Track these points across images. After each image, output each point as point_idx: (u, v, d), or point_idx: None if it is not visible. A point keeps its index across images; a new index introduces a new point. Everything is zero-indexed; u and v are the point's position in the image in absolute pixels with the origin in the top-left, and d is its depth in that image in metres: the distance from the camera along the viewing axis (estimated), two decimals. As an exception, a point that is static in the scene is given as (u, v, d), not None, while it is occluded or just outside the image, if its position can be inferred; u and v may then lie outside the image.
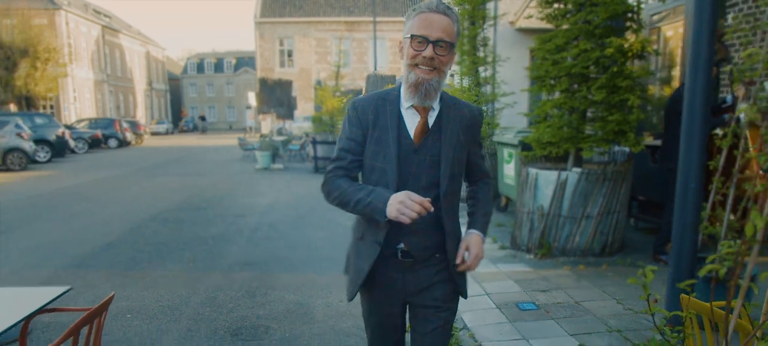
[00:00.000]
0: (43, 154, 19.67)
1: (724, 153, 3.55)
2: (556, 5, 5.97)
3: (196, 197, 11.16)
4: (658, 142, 6.10)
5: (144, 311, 4.65)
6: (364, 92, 15.69)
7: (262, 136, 20.53)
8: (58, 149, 20.70)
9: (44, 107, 33.10)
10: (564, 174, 5.54)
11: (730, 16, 6.60)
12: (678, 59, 8.17)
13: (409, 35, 1.83)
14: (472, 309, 4.38)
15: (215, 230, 7.81)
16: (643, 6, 5.53)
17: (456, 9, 1.79)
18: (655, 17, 9.01)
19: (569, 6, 5.78)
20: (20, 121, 17.82)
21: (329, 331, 4.18)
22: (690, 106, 3.24)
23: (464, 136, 1.95)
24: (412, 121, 1.91)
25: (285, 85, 22.82)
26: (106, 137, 27.71)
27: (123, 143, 28.75)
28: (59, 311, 2.66)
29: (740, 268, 1.66)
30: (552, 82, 5.87)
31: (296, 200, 10.60)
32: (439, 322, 2.03)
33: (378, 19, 31.19)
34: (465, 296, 2.10)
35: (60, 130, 20.98)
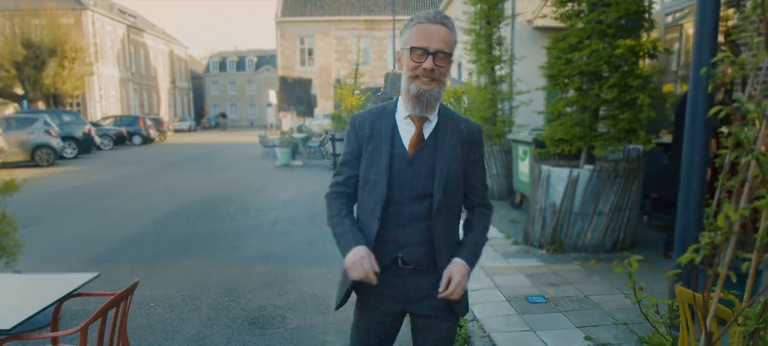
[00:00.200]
0: (70, 151, 20.18)
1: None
2: (569, 5, 6.04)
3: (218, 192, 11.42)
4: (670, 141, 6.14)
5: (166, 300, 4.86)
6: (382, 90, 15.79)
7: (282, 133, 20.82)
8: (85, 146, 21.23)
9: (71, 105, 33.83)
10: (575, 171, 5.62)
11: (748, 3, 6.57)
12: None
13: (408, 47, 1.83)
14: (482, 302, 4.50)
15: (235, 225, 8.02)
16: (654, 5, 5.57)
17: (452, 19, 1.78)
18: (678, 15, 8.98)
19: (583, 6, 5.85)
20: (48, 119, 18.31)
21: (343, 320, 4.33)
22: (692, 105, 3.32)
23: (461, 150, 1.92)
24: (407, 132, 1.91)
25: (305, 84, 23.06)
26: (131, 134, 28.29)
27: (147, 140, 29.33)
28: (88, 295, 2.85)
29: (719, 257, 1.76)
30: (565, 80, 5.95)
31: (315, 196, 10.79)
32: (442, 332, 2.02)
33: (397, 17, 31.27)
34: (461, 314, 2.06)
35: (86, 128, 21.51)
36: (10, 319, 2.22)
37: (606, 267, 5.27)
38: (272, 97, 25.71)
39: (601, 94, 5.59)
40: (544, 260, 5.60)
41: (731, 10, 5.99)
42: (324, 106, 35.13)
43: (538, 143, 6.77)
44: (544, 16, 6.91)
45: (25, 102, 27.36)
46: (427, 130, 1.91)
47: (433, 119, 1.92)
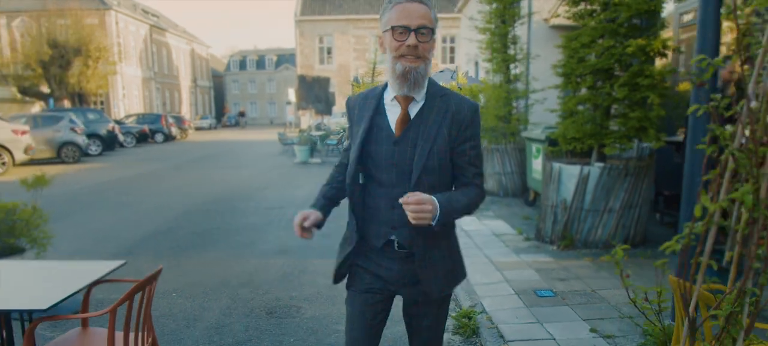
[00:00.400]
0: (94, 148, 20.67)
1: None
2: (582, 5, 6.12)
3: (237, 188, 11.67)
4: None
5: (187, 290, 5.06)
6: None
7: (300, 131, 21.06)
8: (109, 143, 21.71)
9: (95, 103, 34.52)
10: (586, 169, 5.71)
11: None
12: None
13: (389, 27, 1.83)
14: (491, 295, 4.63)
15: (254, 220, 8.24)
16: (665, 4, 5.63)
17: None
18: (694, 14, 8.97)
19: (595, 5, 5.93)
20: (74, 117, 18.78)
21: (356, 312, 4.49)
22: (695, 101, 3.41)
23: (448, 129, 1.88)
24: (394, 114, 1.91)
25: (323, 82, 23.29)
26: (153, 132, 28.82)
27: (169, 138, 29.84)
28: (116, 281, 3.04)
29: (700, 246, 1.88)
30: (578, 79, 6.04)
31: (332, 193, 10.96)
32: (432, 317, 2.07)
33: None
34: (446, 296, 2.09)
35: (110, 126, 21.99)
36: (45, 300, 2.41)
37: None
38: (291, 95, 26.00)
39: (613, 93, 5.66)
40: (554, 255, 5.70)
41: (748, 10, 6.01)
42: (342, 104, 35.33)
43: (551, 141, 6.86)
44: (558, 16, 6.99)
45: (51, 100, 28.04)
46: (414, 111, 1.90)
47: (421, 99, 1.90)
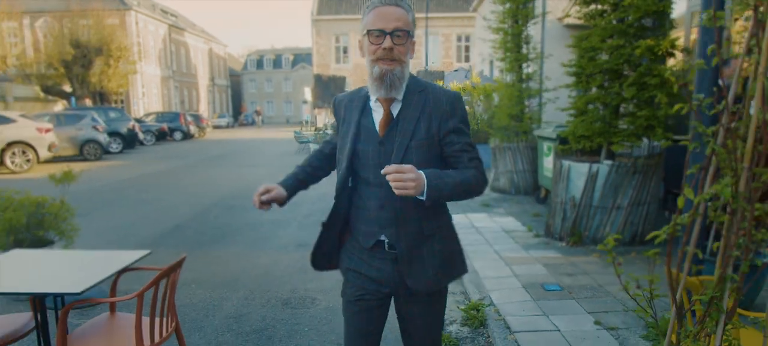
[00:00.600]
0: (115, 146, 21.12)
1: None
2: (593, 5, 6.23)
3: (255, 186, 11.78)
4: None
5: (207, 282, 5.27)
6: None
7: (316, 129, 21.30)
8: (129, 141, 22.16)
9: (115, 102, 35.13)
10: (595, 166, 5.81)
11: None
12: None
13: (365, 31, 1.87)
14: (499, 288, 4.76)
15: (271, 215, 8.44)
16: (674, 5, 5.72)
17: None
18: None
19: (605, 6, 6.03)
20: (96, 115, 19.22)
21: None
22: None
23: (427, 123, 1.89)
24: (378, 114, 1.96)
25: (339, 81, 23.52)
26: (172, 130, 29.31)
27: (187, 136, 30.32)
28: (142, 269, 3.24)
29: (687, 236, 2.01)
30: (588, 78, 6.14)
31: (346, 190, 11.15)
32: (423, 318, 2.07)
33: (431, 14, 31.48)
34: (434, 292, 2.07)
35: (130, 124, 22.44)
36: (78, 285, 2.61)
37: (623, 259, 5.45)
38: (307, 94, 26.27)
39: (621, 92, 5.76)
40: (563, 252, 5.82)
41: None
42: (358, 103, 35.48)
43: (562, 139, 6.97)
44: (569, 16, 7.11)
45: (73, 99, 28.63)
46: (396, 110, 1.93)
47: (401, 98, 1.93)
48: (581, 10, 6.36)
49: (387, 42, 1.82)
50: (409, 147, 1.88)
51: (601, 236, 5.87)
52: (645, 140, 6.15)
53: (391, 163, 1.81)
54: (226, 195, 10.56)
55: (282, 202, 2.10)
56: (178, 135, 29.66)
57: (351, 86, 31.95)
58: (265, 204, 2.05)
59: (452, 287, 4.99)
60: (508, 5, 9.37)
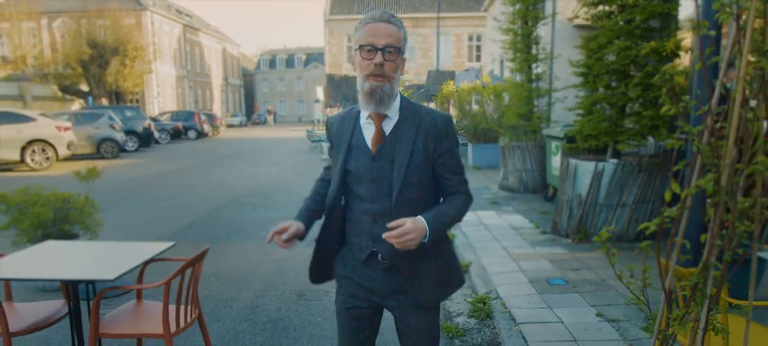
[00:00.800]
0: (131, 144, 21.51)
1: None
2: (600, 7, 6.36)
3: (268, 184, 12.15)
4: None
5: (224, 275, 5.49)
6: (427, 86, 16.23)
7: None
8: (145, 140, 22.55)
9: (131, 101, 35.64)
10: (601, 165, 5.95)
11: None
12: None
13: (357, 46, 1.91)
14: (505, 283, 4.93)
15: (284, 212, 8.65)
16: (680, 7, 5.85)
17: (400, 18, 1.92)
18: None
19: (613, 7, 6.17)
20: (113, 114, 19.60)
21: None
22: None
23: (423, 143, 1.95)
24: (370, 131, 1.99)
25: (351, 81, 23.73)
26: (186, 129, 29.72)
27: (201, 135, 30.72)
28: (168, 260, 3.45)
29: (675, 228, 2.17)
30: (595, 78, 6.28)
31: (358, 188, 11.35)
32: (422, 322, 2.08)
33: (442, 14, 31.60)
34: (435, 303, 2.12)
35: (146, 123, 22.83)
36: (111, 273, 2.81)
37: (627, 256, 5.55)
38: (320, 93, 26.55)
39: (627, 92, 5.90)
40: (569, 248, 5.96)
41: None
42: (370, 102, 35.68)
43: (569, 138, 7.11)
44: (578, 16, 7.26)
45: (89, 98, 29.12)
46: (388, 127, 1.97)
47: (394, 116, 1.97)
48: (589, 11, 6.50)
49: (378, 57, 1.85)
50: (409, 167, 1.93)
51: (606, 233, 6.00)
52: (651, 139, 6.27)
53: (393, 181, 1.92)
54: (239, 193, 10.80)
55: (302, 236, 2.09)
56: (192, 134, 30.06)
57: (363, 86, 32.15)
58: (287, 242, 2.02)
59: (460, 281, 5.17)
60: (518, 6, 9.51)
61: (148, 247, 3.40)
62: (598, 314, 4.15)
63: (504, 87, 10.77)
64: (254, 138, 32.06)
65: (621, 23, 5.98)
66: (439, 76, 19.20)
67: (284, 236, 2.00)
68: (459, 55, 39.34)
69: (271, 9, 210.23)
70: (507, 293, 4.69)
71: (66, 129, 15.94)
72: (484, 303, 4.47)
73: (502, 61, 16.93)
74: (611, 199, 5.93)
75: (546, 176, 8.70)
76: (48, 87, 29.41)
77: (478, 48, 38.91)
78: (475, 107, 13.77)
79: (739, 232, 2.07)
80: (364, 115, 2.01)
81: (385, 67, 1.87)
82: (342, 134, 2.04)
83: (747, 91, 1.98)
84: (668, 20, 5.92)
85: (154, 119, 27.38)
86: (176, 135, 28.22)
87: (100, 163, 16.75)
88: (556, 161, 7.99)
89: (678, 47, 5.60)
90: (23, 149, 15.18)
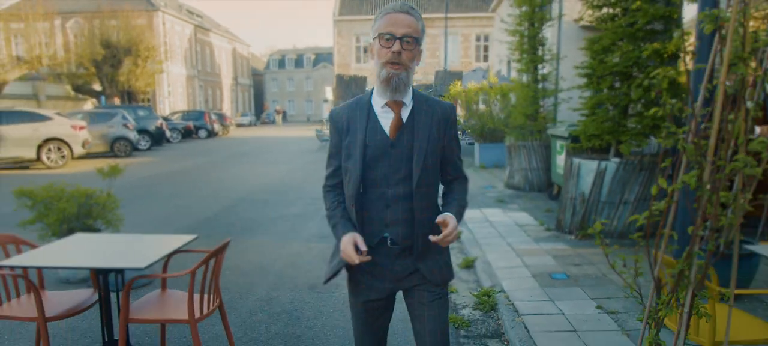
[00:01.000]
0: (144, 143, 21.84)
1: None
2: (604, 9, 6.53)
3: (279, 182, 12.39)
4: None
5: (239, 269, 5.71)
6: (434, 86, 16.41)
7: (338, 128, 21.64)
8: (157, 139, 22.88)
9: (142, 101, 36.01)
10: (603, 163, 6.13)
11: None
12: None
13: (377, 35, 1.98)
14: (510, 277, 5.12)
15: (296, 209, 8.89)
16: (683, 9, 6.01)
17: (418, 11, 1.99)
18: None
19: (617, 10, 6.34)
20: (126, 113, 19.93)
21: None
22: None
23: (437, 130, 2.06)
24: (386, 119, 2.05)
25: (360, 81, 23.94)
26: (197, 128, 30.07)
27: (211, 134, 31.06)
28: (192, 251, 3.66)
29: (663, 220, 2.36)
30: (598, 79, 6.45)
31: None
32: (433, 296, 2.12)
33: (450, 15, 31.75)
34: (447, 281, 2.18)
35: (158, 122, 23.16)
36: (142, 262, 3.03)
37: (629, 251, 5.72)
38: (328, 93, 26.77)
39: (630, 93, 6.07)
40: (571, 244, 6.14)
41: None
42: (378, 102, 35.84)
43: (573, 138, 7.28)
44: (583, 18, 7.43)
45: (102, 98, 29.53)
46: (405, 114, 2.05)
47: (409, 104, 2.06)
48: (593, 14, 6.67)
49: (396, 46, 1.93)
50: (427, 152, 2.03)
51: (608, 230, 6.18)
52: (653, 139, 6.43)
53: (413, 166, 2.01)
54: (251, 190, 11.05)
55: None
56: (203, 133, 30.41)
57: (371, 86, 32.37)
58: (363, 254, 1.99)
59: (466, 275, 5.37)
60: (524, 8, 9.68)
61: (172, 239, 3.60)
62: (598, 307, 4.33)
63: (510, 87, 10.95)
64: (264, 137, 32.37)
65: (624, 26, 6.16)
66: (447, 77, 19.37)
67: (362, 249, 1.98)
68: (467, 55, 39.47)
69: (281, 9, 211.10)
70: (511, 286, 4.88)
71: (81, 128, 16.26)
72: (489, 296, 4.66)
73: (509, 62, 17.09)
74: (613, 197, 6.10)
75: (551, 174, 8.88)
76: (61, 86, 29.86)
77: (486, 48, 39.02)
78: (482, 107, 13.95)
79: (722, 224, 2.26)
80: (379, 102, 2.07)
81: (402, 55, 1.94)
82: (355, 125, 2.07)
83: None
84: (670, 23, 6.08)
85: (165, 119, 27.72)
86: (187, 134, 28.56)
87: (114, 162, 17.09)
88: (560, 160, 8.16)
89: (679, 49, 5.76)
90: (39, 148, 15.51)
